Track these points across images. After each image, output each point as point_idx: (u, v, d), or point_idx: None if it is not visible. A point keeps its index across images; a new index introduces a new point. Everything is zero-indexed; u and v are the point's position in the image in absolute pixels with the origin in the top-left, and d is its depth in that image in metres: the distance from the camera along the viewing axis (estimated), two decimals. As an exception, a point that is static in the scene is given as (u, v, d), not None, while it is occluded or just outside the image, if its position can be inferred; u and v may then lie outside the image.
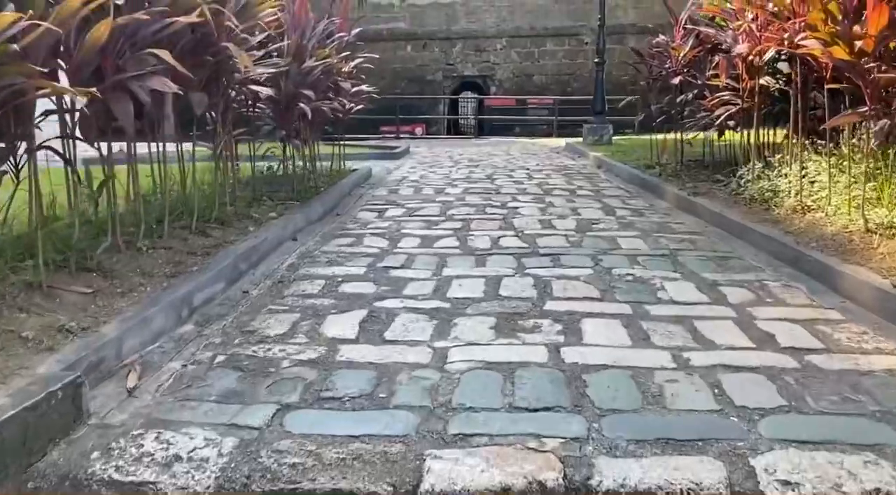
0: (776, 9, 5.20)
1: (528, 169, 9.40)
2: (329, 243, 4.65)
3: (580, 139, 14.11)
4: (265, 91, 5.27)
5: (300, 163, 6.58)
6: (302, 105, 5.89)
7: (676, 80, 7.14)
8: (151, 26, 3.37)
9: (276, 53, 5.94)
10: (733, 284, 3.53)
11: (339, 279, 3.70)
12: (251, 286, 3.59)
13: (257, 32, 5.30)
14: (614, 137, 12.58)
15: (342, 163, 8.07)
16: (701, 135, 7.54)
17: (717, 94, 6.36)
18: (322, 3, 22.28)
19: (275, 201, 5.80)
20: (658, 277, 3.66)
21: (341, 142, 8.12)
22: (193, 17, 3.53)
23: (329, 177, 7.36)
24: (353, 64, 7.89)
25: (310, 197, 6.10)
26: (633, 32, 24.93)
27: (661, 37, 7.68)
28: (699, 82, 6.81)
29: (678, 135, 7.65)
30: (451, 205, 6.15)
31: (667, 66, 7.38)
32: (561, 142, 15.44)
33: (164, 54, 3.16)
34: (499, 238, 4.74)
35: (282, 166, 6.55)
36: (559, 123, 21.73)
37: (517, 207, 5.98)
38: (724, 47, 6.22)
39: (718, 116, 6.33)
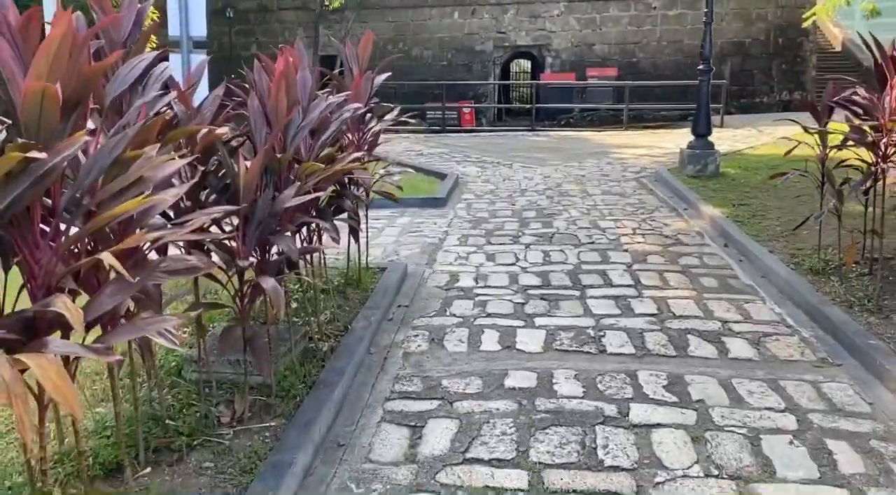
0: None
1: (623, 247, 6.49)
2: None
3: (666, 147, 11.05)
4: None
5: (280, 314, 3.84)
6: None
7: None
8: None
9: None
10: None
11: None
12: None
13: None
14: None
15: (361, 255, 5.29)
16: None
17: None
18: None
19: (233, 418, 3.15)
20: None
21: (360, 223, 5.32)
22: None
23: (337, 311, 4.62)
24: (375, 129, 4.99)
25: (297, 395, 3.44)
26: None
27: None
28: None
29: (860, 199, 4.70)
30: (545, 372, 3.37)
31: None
32: (640, 151, 12.33)
33: None
34: None
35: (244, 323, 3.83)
36: (631, 110, 18.40)
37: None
38: None
39: None
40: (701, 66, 9.02)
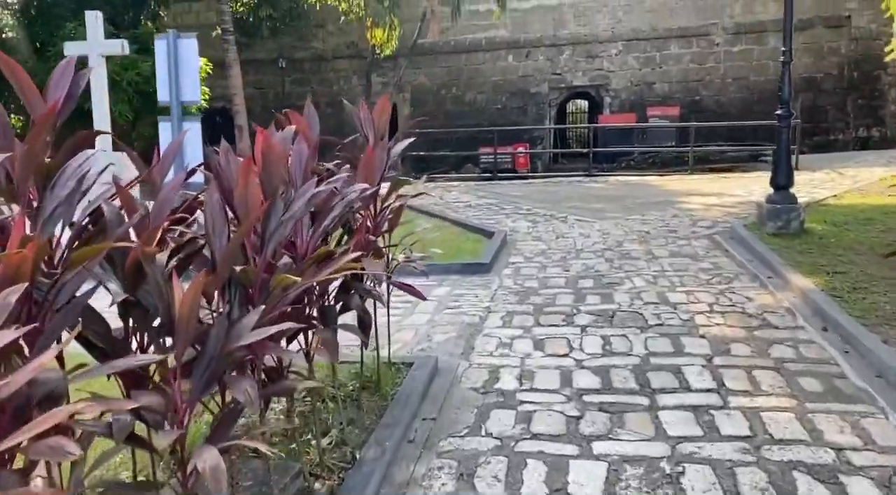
0: None
1: (699, 332, 5.43)
2: None
3: (738, 194, 9.92)
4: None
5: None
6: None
7: None
8: None
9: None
10: None
11: None
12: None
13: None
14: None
15: (382, 348, 4.38)
16: None
17: None
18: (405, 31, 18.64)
19: None
20: None
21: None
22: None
23: (346, 430, 3.70)
24: (394, 206, 4.11)
25: None
26: (776, 30, 20.02)
27: None
28: None
29: None
30: None
31: None
32: (709, 200, 11.18)
33: None
34: None
35: None
36: (696, 152, 17.18)
37: None
38: None
39: None
40: (779, 111, 7.91)
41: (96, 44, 12.25)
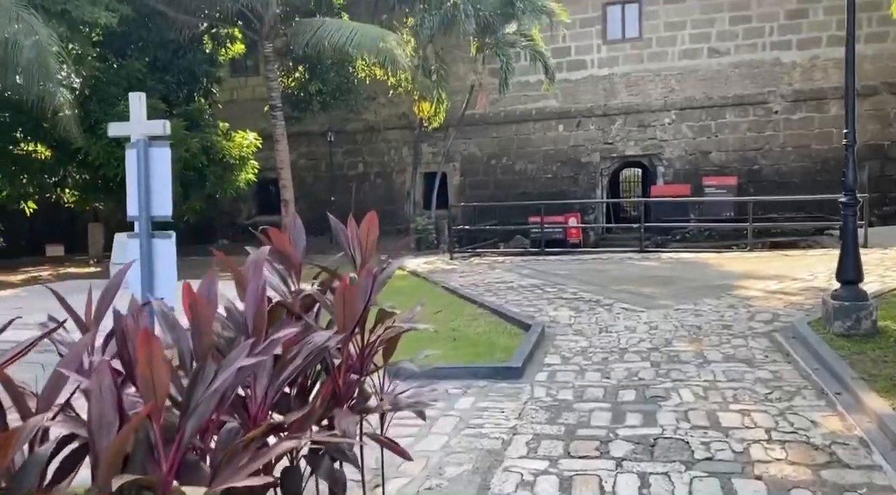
0: None
1: (755, 471, 4.60)
2: None
3: (802, 278, 9.03)
4: None
5: None
6: None
7: None
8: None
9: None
10: None
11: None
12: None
13: None
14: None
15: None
16: None
17: None
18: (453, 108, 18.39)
19: None
20: None
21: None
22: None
23: None
24: (387, 336, 3.52)
25: None
26: (837, 97, 19.11)
27: None
28: None
29: None
30: None
31: None
32: (770, 285, 10.28)
33: None
34: None
35: None
36: (755, 226, 16.23)
37: None
38: None
39: None
40: (844, 198, 7.10)
41: (138, 124, 12.37)
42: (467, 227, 20.31)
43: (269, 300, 3.06)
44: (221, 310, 2.92)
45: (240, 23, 18.95)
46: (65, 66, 14.81)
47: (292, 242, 3.58)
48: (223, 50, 20.55)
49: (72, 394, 2.17)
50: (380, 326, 3.47)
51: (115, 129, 12.76)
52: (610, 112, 21.95)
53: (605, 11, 21.92)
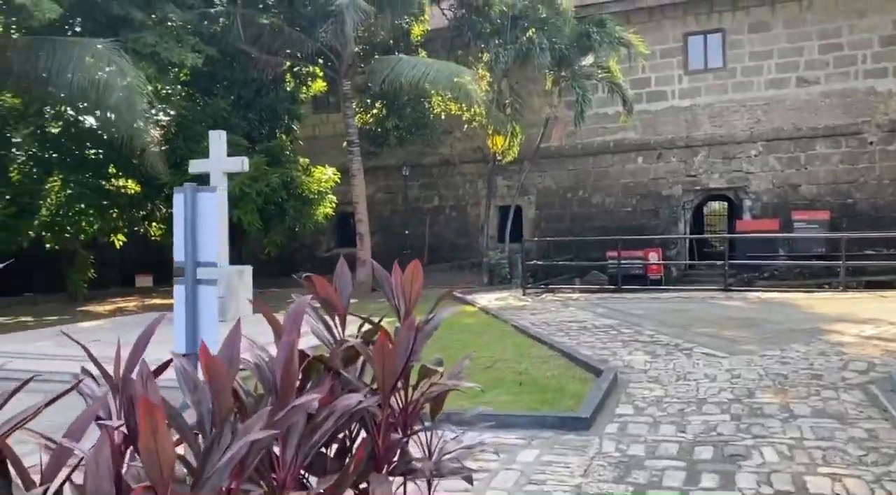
0: None
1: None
2: None
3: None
4: None
5: None
6: None
7: None
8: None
9: None
10: None
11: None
12: None
13: None
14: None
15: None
16: None
17: None
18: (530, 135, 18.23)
19: None
20: None
21: None
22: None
23: None
24: (431, 393, 3.30)
25: None
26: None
27: None
28: None
29: None
30: None
31: None
32: (865, 330, 9.53)
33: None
34: None
35: None
36: (849, 264, 15.25)
37: None
38: None
39: None
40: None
41: (218, 161, 12.71)
42: (541, 262, 19.92)
43: (305, 355, 2.90)
44: (257, 355, 2.78)
45: (320, 61, 19.39)
46: (153, 105, 15.41)
47: (338, 289, 3.42)
48: (304, 88, 21.08)
49: (75, 467, 2.03)
50: (424, 382, 3.26)
51: (196, 166, 13.20)
52: (693, 143, 21.27)
53: (687, 41, 21.38)
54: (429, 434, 3.36)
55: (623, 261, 17.70)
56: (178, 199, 3.79)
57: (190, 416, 2.33)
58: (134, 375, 2.41)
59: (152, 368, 2.47)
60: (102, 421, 2.15)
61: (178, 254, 3.74)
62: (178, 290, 3.78)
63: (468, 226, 23.98)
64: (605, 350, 9.25)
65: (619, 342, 9.76)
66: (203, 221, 3.68)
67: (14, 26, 14.54)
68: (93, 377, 2.62)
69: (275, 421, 2.21)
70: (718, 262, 17.23)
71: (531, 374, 8.02)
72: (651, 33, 20.90)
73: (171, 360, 2.66)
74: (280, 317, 2.89)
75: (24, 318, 14.90)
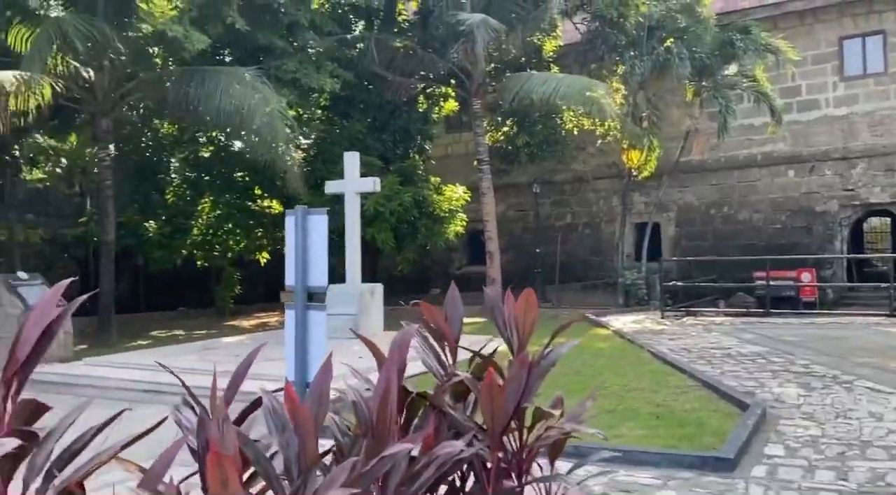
0: None
1: None
2: None
3: None
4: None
5: None
6: None
7: None
8: None
9: None
10: None
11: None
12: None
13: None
14: None
15: None
16: None
17: None
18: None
19: None
20: None
21: None
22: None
23: None
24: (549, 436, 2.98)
25: None
26: None
27: None
28: None
29: None
30: None
31: None
32: None
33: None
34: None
35: None
36: None
37: None
38: None
39: None
40: None
41: (351, 182, 13.00)
42: (681, 283, 18.88)
43: (407, 392, 2.68)
44: (355, 387, 2.60)
45: (452, 82, 19.51)
46: (293, 129, 16.05)
47: (448, 318, 3.20)
48: (437, 108, 21.29)
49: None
50: (541, 425, 2.94)
51: (331, 187, 13.54)
52: (850, 155, 19.53)
53: (842, 46, 19.72)
54: (548, 483, 3.04)
55: (772, 283, 16.42)
56: (290, 222, 3.73)
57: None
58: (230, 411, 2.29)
59: (270, 388, 2.37)
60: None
61: (290, 279, 3.68)
62: (289, 316, 3.71)
63: (602, 244, 23.23)
64: (751, 381, 8.48)
65: (767, 372, 8.93)
66: (313, 245, 3.59)
67: (171, 59, 15.62)
68: (191, 406, 2.54)
69: (361, 473, 1.99)
70: (883, 285, 15.58)
71: (668, 406, 7.45)
72: (801, 38, 19.45)
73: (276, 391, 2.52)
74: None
75: (176, 332, 15.85)
